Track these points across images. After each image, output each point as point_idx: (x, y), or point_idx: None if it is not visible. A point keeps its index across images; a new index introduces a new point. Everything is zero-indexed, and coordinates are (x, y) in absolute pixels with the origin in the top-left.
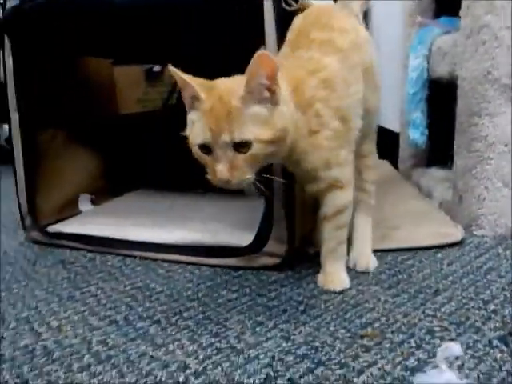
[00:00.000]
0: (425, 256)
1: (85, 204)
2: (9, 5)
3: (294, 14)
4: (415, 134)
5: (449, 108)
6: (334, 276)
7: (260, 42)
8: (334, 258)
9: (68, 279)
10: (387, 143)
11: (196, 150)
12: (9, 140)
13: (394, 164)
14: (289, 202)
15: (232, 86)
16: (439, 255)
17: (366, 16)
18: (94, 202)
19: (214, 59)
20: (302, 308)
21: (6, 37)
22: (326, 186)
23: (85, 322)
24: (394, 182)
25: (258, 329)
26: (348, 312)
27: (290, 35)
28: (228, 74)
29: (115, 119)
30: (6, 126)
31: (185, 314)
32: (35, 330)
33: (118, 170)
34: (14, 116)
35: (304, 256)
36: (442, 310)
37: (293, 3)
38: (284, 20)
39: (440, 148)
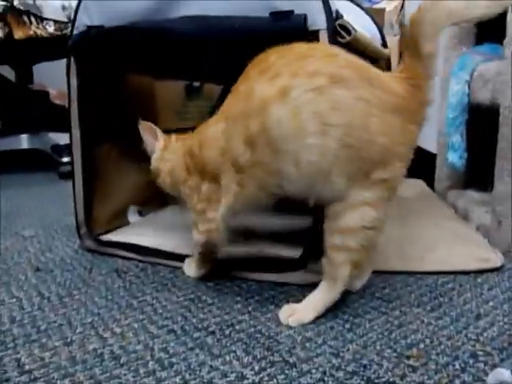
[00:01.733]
0: (464, 280)
1: (133, 215)
2: (76, 31)
3: (346, 46)
4: (454, 157)
5: (488, 132)
6: None
7: None
8: None
9: (124, 288)
10: (424, 163)
11: None
12: (55, 147)
13: (430, 184)
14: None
15: None
16: (479, 280)
17: None
18: (141, 214)
19: None
20: (348, 326)
21: (72, 59)
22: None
23: (145, 330)
24: (430, 202)
25: (307, 344)
26: (393, 332)
27: None
28: None
29: None
30: (51, 134)
31: (237, 327)
32: (101, 335)
33: None
34: (76, 132)
35: None
36: (485, 334)
37: (345, 35)
38: None
39: (478, 171)
